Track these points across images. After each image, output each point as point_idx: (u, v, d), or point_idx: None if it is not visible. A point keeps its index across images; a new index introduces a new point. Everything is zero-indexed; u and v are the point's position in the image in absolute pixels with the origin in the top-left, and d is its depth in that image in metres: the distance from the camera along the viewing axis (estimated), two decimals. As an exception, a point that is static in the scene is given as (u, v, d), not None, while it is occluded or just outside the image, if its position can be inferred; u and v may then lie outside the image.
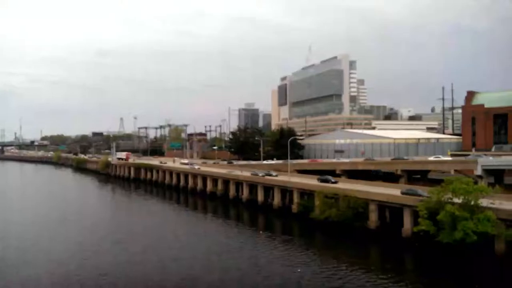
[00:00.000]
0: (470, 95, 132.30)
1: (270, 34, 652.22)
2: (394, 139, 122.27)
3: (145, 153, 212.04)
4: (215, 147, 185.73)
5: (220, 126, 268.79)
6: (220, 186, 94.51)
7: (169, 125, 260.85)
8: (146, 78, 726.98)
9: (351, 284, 38.24)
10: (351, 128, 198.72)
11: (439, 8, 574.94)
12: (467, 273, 40.91)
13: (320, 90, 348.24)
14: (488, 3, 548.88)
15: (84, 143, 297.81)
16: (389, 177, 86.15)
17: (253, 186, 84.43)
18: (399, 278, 40.13)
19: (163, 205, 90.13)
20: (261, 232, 62.15)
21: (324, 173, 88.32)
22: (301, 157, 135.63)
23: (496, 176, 72.36)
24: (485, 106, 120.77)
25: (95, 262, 45.24)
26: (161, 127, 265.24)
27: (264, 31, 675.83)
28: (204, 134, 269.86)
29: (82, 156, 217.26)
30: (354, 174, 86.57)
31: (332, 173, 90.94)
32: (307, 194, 69.51)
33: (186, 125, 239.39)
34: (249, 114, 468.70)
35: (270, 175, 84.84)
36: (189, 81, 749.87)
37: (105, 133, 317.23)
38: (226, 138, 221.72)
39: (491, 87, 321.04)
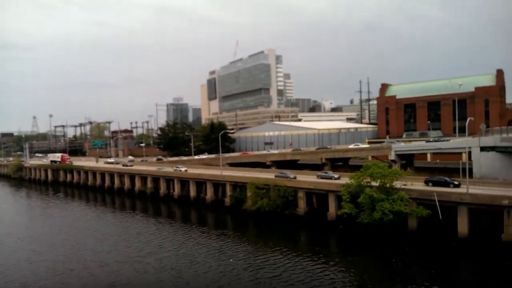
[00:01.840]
0: (384, 87, 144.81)
1: (197, 27, 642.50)
2: (319, 129, 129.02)
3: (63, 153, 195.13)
4: (142, 144, 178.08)
5: (148, 122, 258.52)
6: (149, 184, 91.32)
7: (90, 123, 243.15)
8: (62, 73, 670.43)
9: (282, 268, 39.84)
10: (279, 120, 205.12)
11: (358, 7, 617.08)
12: (384, 249, 45.04)
13: (249, 84, 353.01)
14: (400, 3, 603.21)
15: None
16: (315, 166, 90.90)
17: (184, 182, 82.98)
18: (325, 259, 42.83)
19: (87, 208, 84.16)
20: (194, 227, 61.50)
21: (255, 165, 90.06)
22: (233, 150, 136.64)
23: (407, 160, 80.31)
24: (397, 97, 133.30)
25: (14, 275, 40.92)
26: (80, 125, 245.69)
27: (191, 23, 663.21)
28: (130, 131, 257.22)
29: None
30: (283, 164, 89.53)
31: (263, 164, 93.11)
32: (239, 186, 70.36)
33: (109, 122, 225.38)
34: (178, 109, 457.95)
35: (330, 178, 62.86)
36: (111, 75, 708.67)
37: (16, 134, 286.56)
38: (154, 135, 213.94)
39: (406, 80, 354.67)
